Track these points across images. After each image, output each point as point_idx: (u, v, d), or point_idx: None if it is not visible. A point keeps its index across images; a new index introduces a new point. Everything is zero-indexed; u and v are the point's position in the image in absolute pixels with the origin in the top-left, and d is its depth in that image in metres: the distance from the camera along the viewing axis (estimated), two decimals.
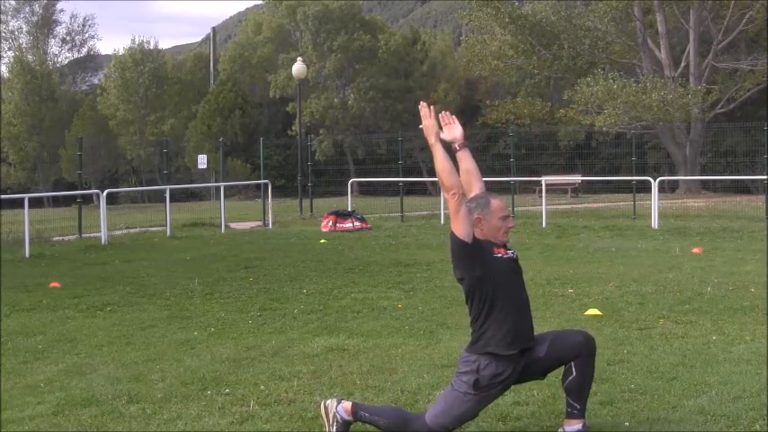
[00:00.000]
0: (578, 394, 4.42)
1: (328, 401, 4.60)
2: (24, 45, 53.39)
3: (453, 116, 4.70)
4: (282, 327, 7.67)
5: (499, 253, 4.40)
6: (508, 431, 4.66)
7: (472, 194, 4.57)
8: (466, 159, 4.64)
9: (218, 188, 22.36)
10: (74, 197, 21.27)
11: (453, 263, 4.41)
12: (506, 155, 24.93)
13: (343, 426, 4.49)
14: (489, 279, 4.33)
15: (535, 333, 4.53)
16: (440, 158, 4.32)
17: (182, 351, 6.73)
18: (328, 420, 4.53)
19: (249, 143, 43.03)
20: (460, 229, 4.28)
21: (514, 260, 4.47)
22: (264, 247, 15.30)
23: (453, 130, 4.63)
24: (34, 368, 6.30)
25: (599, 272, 10.95)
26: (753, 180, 23.99)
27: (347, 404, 4.53)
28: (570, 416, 4.43)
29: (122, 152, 47.56)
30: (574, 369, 4.41)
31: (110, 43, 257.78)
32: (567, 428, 4.42)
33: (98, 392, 5.49)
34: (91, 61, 57.68)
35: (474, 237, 4.33)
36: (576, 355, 4.41)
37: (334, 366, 6.09)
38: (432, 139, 4.39)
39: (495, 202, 4.46)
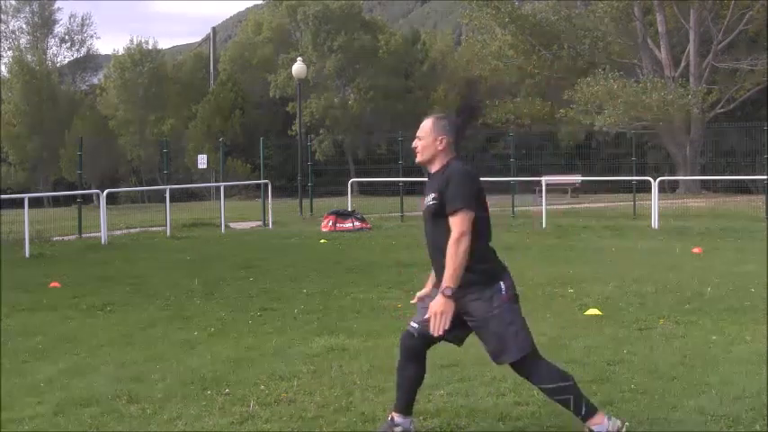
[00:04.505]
0: None
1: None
2: (24, 45, 53.34)
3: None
4: (282, 327, 7.67)
5: (426, 200, 4.43)
6: (508, 431, 4.66)
7: None
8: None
9: (218, 188, 22.35)
10: (74, 197, 21.25)
11: None
12: (506, 155, 24.95)
13: None
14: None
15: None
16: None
17: (182, 351, 6.73)
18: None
19: (249, 143, 43.00)
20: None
21: (427, 207, 4.37)
22: (264, 247, 15.30)
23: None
24: (34, 368, 6.29)
25: (599, 272, 10.94)
26: (753, 180, 24.00)
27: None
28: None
29: (122, 152, 47.53)
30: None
31: (109, 43, 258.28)
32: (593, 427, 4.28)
33: (98, 392, 5.49)
34: (90, 61, 57.51)
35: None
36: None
37: (335, 366, 6.08)
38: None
39: None
